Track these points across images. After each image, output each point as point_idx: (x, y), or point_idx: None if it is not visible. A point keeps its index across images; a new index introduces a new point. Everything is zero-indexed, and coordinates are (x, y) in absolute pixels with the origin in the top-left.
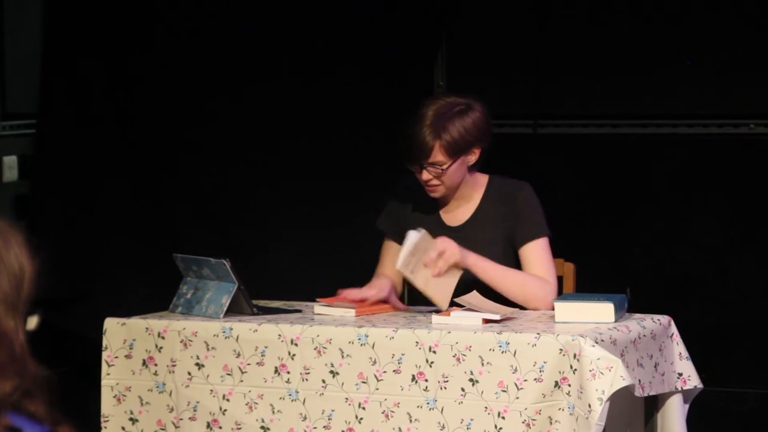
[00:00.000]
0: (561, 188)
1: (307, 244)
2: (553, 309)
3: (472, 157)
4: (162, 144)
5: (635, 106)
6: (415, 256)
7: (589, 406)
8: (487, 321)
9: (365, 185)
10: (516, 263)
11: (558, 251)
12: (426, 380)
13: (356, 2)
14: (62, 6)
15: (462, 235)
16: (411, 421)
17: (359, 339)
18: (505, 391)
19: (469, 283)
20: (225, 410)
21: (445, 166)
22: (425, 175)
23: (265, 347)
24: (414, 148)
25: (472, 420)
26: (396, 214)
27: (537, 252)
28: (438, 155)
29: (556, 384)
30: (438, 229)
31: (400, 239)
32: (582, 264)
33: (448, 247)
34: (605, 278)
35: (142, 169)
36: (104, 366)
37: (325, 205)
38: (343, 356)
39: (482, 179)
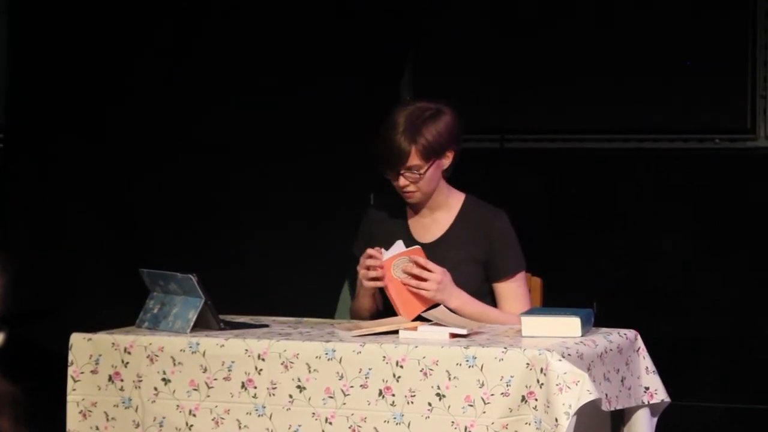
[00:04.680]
0: (528, 202)
1: (280, 259)
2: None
3: (446, 161)
4: (130, 159)
5: (602, 121)
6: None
7: (556, 420)
8: (454, 335)
9: (339, 199)
10: (486, 285)
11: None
12: (393, 395)
13: (321, 19)
14: (29, 23)
15: (432, 253)
16: None
17: (326, 354)
18: (471, 405)
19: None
20: (191, 426)
21: (422, 170)
22: (402, 181)
23: (232, 362)
24: (391, 155)
25: None
26: (369, 236)
27: (513, 289)
28: (415, 159)
29: (523, 398)
30: (409, 245)
31: None
32: (549, 278)
33: (435, 279)
34: (572, 292)
35: (109, 185)
36: (70, 381)
37: (300, 219)
38: (310, 371)
39: (458, 197)
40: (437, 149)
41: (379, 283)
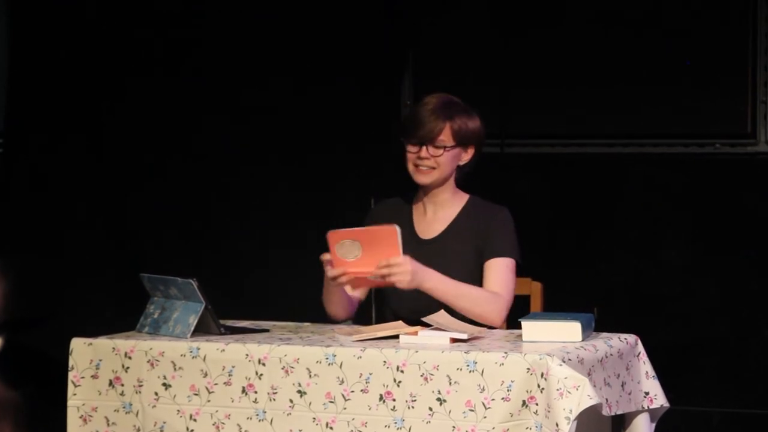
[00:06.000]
0: (528, 207)
1: (280, 263)
2: (504, 323)
3: (466, 156)
4: (129, 163)
5: (602, 126)
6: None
7: (557, 425)
8: (454, 340)
9: (339, 202)
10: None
11: (525, 270)
12: (394, 400)
13: (321, 24)
14: (29, 25)
15: (435, 248)
16: None
17: (327, 358)
18: (472, 410)
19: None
20: (192, 430)
21: (449, 145)
22: (424, 153)
23: (233, 367)
24: (423, 127)
25: None
26: None
27: (498, 268)
28: (446, 135)
29: (524, 403)
30: (412, 241)
31: None
32: (549, 283)
33: (404, 269)
34: (573, 297)
35: (108, 191)
36: (70, 386)
37: (300, 223)
38: (310, 376)
39: (462, 196)
40: (467, 136)
41: (342, 280)
